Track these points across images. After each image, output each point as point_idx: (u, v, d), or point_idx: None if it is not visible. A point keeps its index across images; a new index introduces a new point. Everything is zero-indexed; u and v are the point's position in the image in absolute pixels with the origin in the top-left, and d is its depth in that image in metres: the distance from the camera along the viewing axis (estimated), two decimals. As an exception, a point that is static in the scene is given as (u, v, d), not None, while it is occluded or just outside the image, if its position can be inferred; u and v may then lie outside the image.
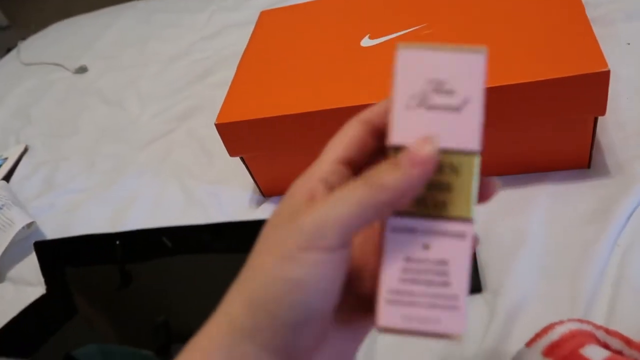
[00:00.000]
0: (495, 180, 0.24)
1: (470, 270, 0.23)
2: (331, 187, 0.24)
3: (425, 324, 0.23)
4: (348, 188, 0.23)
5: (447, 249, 0.23)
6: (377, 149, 0.26)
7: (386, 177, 0.22)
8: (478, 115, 0.23)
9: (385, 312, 0.23)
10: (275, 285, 0.22)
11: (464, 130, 0.23)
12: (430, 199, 0.23)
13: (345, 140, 0.25)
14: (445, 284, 0.23)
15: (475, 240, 0.25)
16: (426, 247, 0.23)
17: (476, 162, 0.23)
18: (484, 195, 0.24)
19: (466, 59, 0.23)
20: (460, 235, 0.23)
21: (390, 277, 0.23)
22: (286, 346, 0.23)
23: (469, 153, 0.23)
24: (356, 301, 0.26)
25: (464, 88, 0.23)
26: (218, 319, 0.24)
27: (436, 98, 0.23)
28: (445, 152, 0.23)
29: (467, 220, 0.23)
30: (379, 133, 0.25)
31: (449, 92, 0.23)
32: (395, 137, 0.23)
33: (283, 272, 0.22)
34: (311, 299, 0.22)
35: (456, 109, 0.23)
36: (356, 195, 0.22)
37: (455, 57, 0.23)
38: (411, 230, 0.23)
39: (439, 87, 0.23)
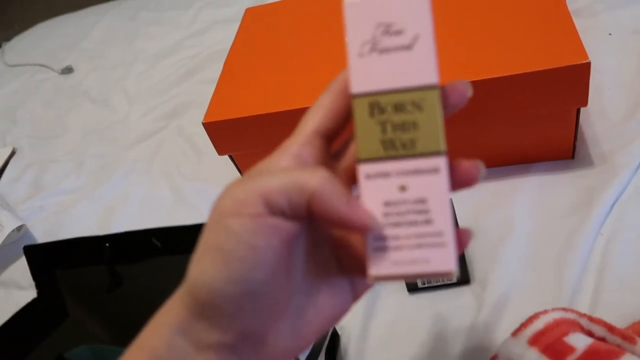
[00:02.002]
0: (478, 163, 0.24)
1: (451, 204, 0.23)
2: (305, 160, 0.24)
3: (415, 266, 0.23)
4: (290, 168, 0.24)
5: (423, 186, 0.23)
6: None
7: (312, 181, 0.22)
8: (431, 49, 0.23)
9: (375, 261, 0.23)
10: (208, 257, 0.22)
11: (419, 66, 0.23)
12: (398, 140, 0.23)
13: (320, 112, 0.25)
14: (428, 222, 0.23)
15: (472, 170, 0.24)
16: (402, 188, 0.23)
17: (437, 94, 0.23)
18: (469, 178, 0.24)
19: None
20: (435, 170, 0.23)
21: None
22: (235, 321, 0.22)
23: (428, 87, 0.23)
24: (339, 265, 0.26)
25: (413, 25, 0.23)
26: (172, 300, 0.24)
27: (387, 40, 0.23)
28: (404, 90, 0.23)
29: (438, 153, 0.23)
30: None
31: (398, 32, 0.23)
32: (355, 86, 0.24)
33: (214, 242, 0.22)
34: (247, 270, 0.22)
35: (408, 47, 0.23)
36: (287, 177, 0.22)
37: None
38: (384, 175, 0.23)
39: (388, 29, 0.23)
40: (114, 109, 0.89)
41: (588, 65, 0.46)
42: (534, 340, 0.35)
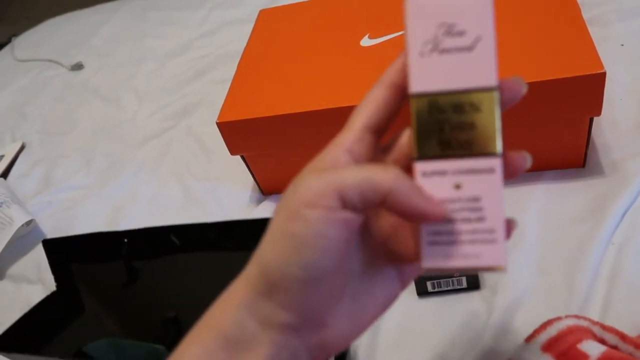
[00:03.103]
0: (525, 154, 0.25)
1: (504, 203, 0.24)
2: (356, 156, 0.25)
3: (467, 260, 0.24)
4: (362, 165, 0.25)
5: (478, 185, 0.24)
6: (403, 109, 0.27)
7: (386, 180, 0.23)
8: (491, 52, 0.24)
9: (429, 254, 0.24)
10: (282, 242, 0.23)
11: (480, 68, 0.24)
12: (455, 139, 0.24)
13: (370, 107, 0.26)
14: (481, 219, 0.24)
15: (519, 168, 0.25)
16: (457, 186, 0.24)
17: (495, 96, 0.24)
18: (514, 169, 0.25)
19: None
20: (490, 170, 0.24)
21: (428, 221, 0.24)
22: (301, 303, 0.24)
23: (487, 89, 0.24)
24: (390, 256, 0.27)
25: (474, 27, 0.24)
26: (238, 281, 0.26)
27: (448, 41, 0.24)
28: (463, 92, 0.24)
29: (494, 154, 0.24)
30: (404, 92, 0.26)
31: (460, 34, 0.24)
32: (414, 85, 0.24)
33: (288, 229, 0.23)
34: (318, 257, 0.23)
35: (469, 48, 0.24)
36: (361, 173, 0.23)
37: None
38: (441, 173, 0.24)
39: (450, 30, 0.24)
40: (123, 107, 0.89)
41: (603, 75, 0.46)
42: (547, 347, 0.35)
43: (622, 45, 0.65)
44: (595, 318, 0.43)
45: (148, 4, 1.16)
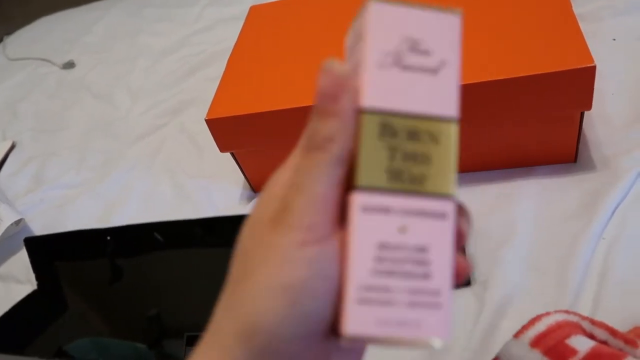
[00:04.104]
0: (469, 261, 0.22)
1: (453, 259, 0.20)
2: None
3: (403, 329, 0.19)
4: (302, 161, 0.20)
5: (426, 231, 0.20)
6: None
7: (325, 128, 0.20)
8: (455, 80, 0.21)
9: (355, 315, 0.19)
10: (272, 296, 0.19)
11: (442, 95, 0.21)
12: (407, 171, 0.20)
13: None
14: (426, 276, 0.20)
15: (465, 220, 0.22)
16: (402, 229, 0.20)
17: (454, 130, 0.21)
18: (459, 272, 0.21)
19: (442, 18, 0.21)
20: (441, 215, 0.20)
21: (360, 270, 0.19)
22: None
23: (447, 120, 0.21)
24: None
25: (441, 49, 0.21)
26: (208, 352, 0.20)
27: (412, 58, 0.21)
28: (422, 117, 0.21)
29: (447, 196, 0.20)
30: None
31: (425, 53, 0.21)
32: (368, 99, 0.20)
33: (279, 278, 0.19)
34: (318, 305, 0.19)
35: (433, 71, 0.21)
36: (312, 165, 0.20)
37: (431, 16, 0.21)
38: (385, 210, 0.20)
39: (415, 46, 0.21)
40: (116, 104, 0.89)
41: (593, 68, 0.46)
42: (535, 342, 0.35)
43: (614, 40, 0.65)
44: (586, 313, 0.43)
45: (142, 1, 1.16)
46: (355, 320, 0.19)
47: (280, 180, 0.21)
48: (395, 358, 0.45)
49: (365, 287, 0.19)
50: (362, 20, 0.21)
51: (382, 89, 0.21)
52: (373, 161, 0.20)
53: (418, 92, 0.21)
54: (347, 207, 0.20)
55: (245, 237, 0.21)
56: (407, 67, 0.21)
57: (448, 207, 0.20)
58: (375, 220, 0.20)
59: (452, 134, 0.21)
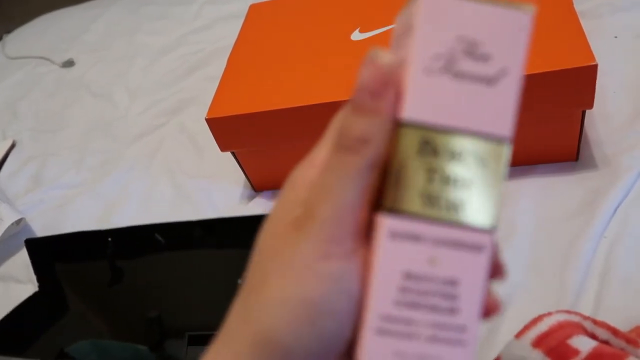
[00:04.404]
0: (499, 299, 0.20)
1: (484, 295, 0.18)
2: None
3: None
4: (333, 162, 0.18)
5: (459, 265, 0.18)
6: None
7: (362, 127, 0.18)
8: (515, 93, 0.18)
9: (372, 346, 0.18)
10: (290, 310, 0.18)
11: (497, 110, 0.18)
12: (444, 197, 0.18)
13: None
14: (453, 312, 0.18)
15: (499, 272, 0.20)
16: (432, 260, 0.18)
17: (506, 152, 0.18)
18: (488, 309, 0.19)
19: (510, 16, 0.18)
20: (477, 248, 0.18)
21: (382, 299, 0.18)
22: None
23: (499, 140, 0.18)
24: None
25: (503, 55, 0.18)
26: (222, 354, 0.19)
27: (467, 63, 0.18)
28: (470, 136, 0.18)
29: (487, 229, 0.18)
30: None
31: (484, 57, 0.18)
32: (409, 110, 0.18)
33: (299, 291, 0.18)
34: (337, 325, 0.18)
35: (491, 80, 0.18)
36: (342, 168, 0.18)
37: (496, 13, 0.18)
38: (415, 238, 0.18)
39: (472, 49, 0.18)
40: (115, 103, 0.89)
41: (595, 67, 0.46)
42: (537, 343, 0.35)
43: (616, 37, 0.65)
44: (588, 313, 0.42)
45: (141, -1, 1.15)
46: (372, 351, 0.18)
47: (304, 177, 0.19)
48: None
49: (386, 318, 0.18)
50: (414, 10, 0.18)
51: (427, 99, 0.18)
52: (408, 182, 0.18)
53: (470, 105, 0.18)
54: (375, 227, 0.18)
55: (265, 239, 0.20)
56: (459, 75, 0.18)
57: (486, 240, 0.18)
58: (403, 249, 0.18)
59: (502, 157, 0.18)
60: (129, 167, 0.75)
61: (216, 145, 0.58)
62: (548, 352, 0.34)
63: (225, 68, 0.61)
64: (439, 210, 0.18)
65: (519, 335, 0.36)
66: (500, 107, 0.18)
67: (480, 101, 0.18)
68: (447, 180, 0.18)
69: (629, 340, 0.36)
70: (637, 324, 0.40)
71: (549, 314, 0.37)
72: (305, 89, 0.55)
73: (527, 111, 0.50)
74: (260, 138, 0.57)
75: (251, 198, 0.64)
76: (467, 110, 0.18)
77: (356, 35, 0.59)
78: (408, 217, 0.18)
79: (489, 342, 0.43)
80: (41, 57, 1.08)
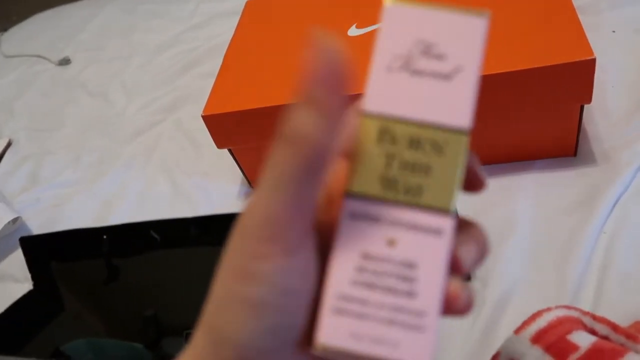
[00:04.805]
0: (467, 291, 0.19)
1: (445, 280, 0.18)
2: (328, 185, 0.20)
3: (378, 347, 0.18)
4: (272, 161, 0.17)
5: (417, 247, 0.18)
6: None
7: (301, 120, 0.17)
8: (471, 88, 0.19)
9: (329, 325, 0.18)
10: (236, 309, 0.18)
11: (453, 103, 0.19)
12: (403, 181, 0.19)
13: (344, 132, 0.21)
14: (411, 295, 0.18)
15: (473, 245, 0.20)
16: (391, 242, 0.19)
17: (464, 142, 0.19)
18: (474, 184, 0.20)
19: (464, 21, 0.20)
20: (436, 231, 0.19)
21: (339, 278, 0.18)
22: None
23: (457, 130, 0.19)
24: None
25: (458, 54, 0.20)
26: (187, 353, 0.20)
27: (423, 62, 0.19)
28: (426, 125, 0.19)
29: (446, 212, 0.19)
30: None
31: (439, 57, 0.19)
32: (369, 102, 0.19)
33: (239, 292, 0.18)
34: (283, 320, 0.18)
35: (446, 76, 0.19)
36: (283, 163, 0.17)
37: (452, 19, 0.20)
38: (374, 218, 0.19)
39: (428, 50, 0.20)
40: (111, 102, 0.88)
41: (593, 61, 0.45)
42: (537, 338, 0.35)
43: (614, 32, 0.65)
44: (587, 308, 0.42)
45: (137, -3, 1.15)
46: (329, 330, 0.18)
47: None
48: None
49: (343, 297, 0.18)
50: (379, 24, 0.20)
51: (385, 93, 0.19)
52: (367, 167, 0.19)
53: (425, 98, 0.19)
54: (339, 213, 0.19)
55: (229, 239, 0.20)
56: (416, 72, 0.20)
57: (445, 224, 0.19)
58: (362, 229, 0.19)
59: (459, 146, 0.19)
60: (125, 165, 0.75)
61: (213, 142, 0.58)
62: (547, 348, 0.34)
63: (222, 65, 0.61)
64: (397, 193, 0.19)
65: (518, 330, 0.36)
66: (457, 100, 0.19)
67: (436, 95, 0.19)
68: (405, 166, 0.19)
69: (628, 336, 0.36)
70: (637, 319, 0.40)
71: (549, 309, 0.37)
72: (302, 85, 0.54)
73: (525, 106, 0.50)
74: (256, 135, 0.57)
75: (248, 195, 0.64)
76: (424, 103, 0.19)
77: (353, 31, 0.59)
78: (367, 199, 0.19)
79: (488, 338, 0.43)
80: (37, 56, 1.07)
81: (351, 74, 0.17)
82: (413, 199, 0.19)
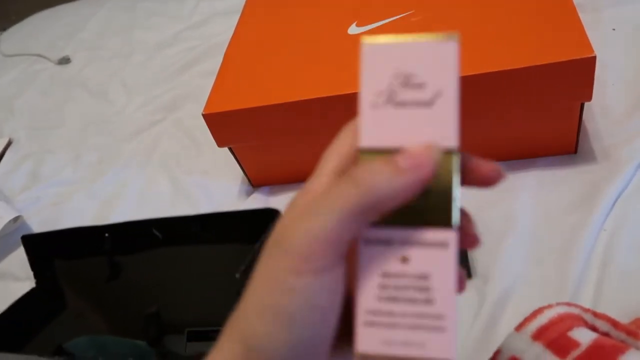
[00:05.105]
0: (498, 167, 0.22)
1: (456, 284, 0.21)
2: None
3: (408, 349, 0.21)
4: (333, 191, 0.20)
5: (428, 261, 0.21)
6: None
7: (379, 177, 0.20)
8: (453, 109, 0.21)
9: (364, 336, 0.21)
10: (269, 319, 0.20)
11: (439, 127, 0.21)
12: (405, 206, 0.21)
13: (341, 150, 0.23)
14: (429, 302, 0.21)
15: (475, 242, 0.23)
16: (404, 260, 0.21)
17: (455, 160, 0.21)
18: (487, 180, 0.22)
19: (435, 47, 0.21)
20: (442, 245, 0.21)
21: (366, 296, 0.21)
22: None
23: (445, 151, 0.21)
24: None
25: (435, 80, 0.21)
26: (219, 354, 0.22)
27: (405, 93, 0.21)
28: None
29: (448, 227, 0.21)
30: None
31: (419, 86, 0.21)
32: (363, 139, 0.21)
33: (274, 303, 0.20)
34: (310, 334, 0.20)
35: (427, 103, 0.21)
36: (343, 199, 0.20)
37: (424, 47, 0.21)
38: (386, 242, 0.21)
39: (407, 81, 0.21)
40: (111, 100, 0.88)
41: (593, 59, 0.45)
42: (537, 335, 0.35)
43: (614, 30, 0.65)
44: (588, 305, 0.42)
45: (136, -4, 1.15)
46: (364, 341, 0.21)
47: (312, 192, 0.22)
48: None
49: (372, 312, 0.21)
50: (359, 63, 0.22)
51: (376, 128, 0.21)
52: None
53: (412, 127, 0.21)
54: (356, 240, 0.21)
55: (264, 248, 0.22)
56: (400, 104, 0.21)
57: (449, 236, 0.21)
58: (377, 252, 0.21)
59: (450, 165, 0.21)
60: (126, 164, 0.75)
61: (213, 140, 0.58)
62: (548, 345, 0.34)
63: (222, 63, 0.61)
64: (402, 216, 0.21)
65: (519, 327, 0.36)
66: (442, 123, 0.21)
67: (422, 122, 0.21)
68: None
69: (629, 332, 0.36)
70: (637, 315, 0.40)
71: (549, 306, 0.37)
72: (302, 83, 0.54)
73: (525, 104, 0.50)
74: (257, 133, 0.57)
75: (249, 194, 0.64)
76: (412, 131, 0.21)
77: (353, 29, 0.59)
78: (378, 226, 0.21)
79: (489, 335, 0.43)
80: (37, 55, 1.07)
81: (428, 175, 0.21)
82: (418, 220, 0.21)
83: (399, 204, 0.21)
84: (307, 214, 0.20)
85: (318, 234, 0.20)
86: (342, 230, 0.20)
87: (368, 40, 0.22)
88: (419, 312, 0.21)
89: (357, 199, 0.20)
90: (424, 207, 0.21)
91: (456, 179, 0.21)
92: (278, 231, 0.21)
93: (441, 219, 0.21)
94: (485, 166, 0.22)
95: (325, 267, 0.20)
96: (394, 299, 0.21)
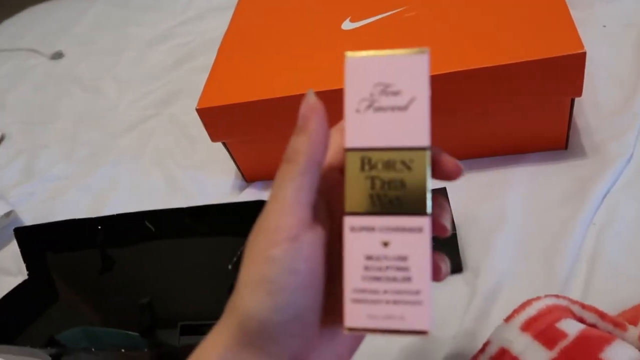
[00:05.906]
0: (457, 162, 0.26)
1: (431, 264, 0.24)
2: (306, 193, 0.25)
3: (390, 322, 0.24)
4: (279, 175, 0.24)
5: (406, 244, 0.24)
6: None
7: (297, 144, 0.24)
8: (425, 113, 0.24)
9: (351, 312, 0.24)
10: (255, 289, 0.23)
11: (412, 128, 0.24)
12: (385, 196, 0.24)
13: (327, 150, 0.26)
14: (407, 280, 0.24)
15: (444, 231, 0.26)
16: (385, 244, 0.24)
17: (427, 156, 0.24)
18: (450, 174, 0.26)
19: (409, 60, 0.24)
20: (418, 229, 0.24)
21: (353, 277, 0.24)
22: (284, 348, 0.24)
23: (419, 149, 0.24)
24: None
25: (410, 88, 0.24)
26: (217, 333, 0.25)
27: (384, 100, 0.24)
28: (395, 149, 0.24)
29: (423, 213, 0.24)
30: None
31: (396, 93, 0.24)
32: (349, 140, 0.25)
33: (257, 273, 0.23)
34: (292, 297, 0.23)
35: (403, 108, 0.24)
36: (287, 174, 0.24)
37: (399, 60, 0.24)
38: (369, 229, 0.24)
39: (386, 89, 0.24)
40: (105, 96, 0.88)
41: (583, 55, 0.46)
42: (526, 326, 0.35)
43: (605, 26, 0.65)
44: (576, 298, 0.43)
45: (130, -9, 1.14)
46: (352, 316, 0.24)
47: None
48: (390, 341, 0.45)
49: (358, 290, 0.24)
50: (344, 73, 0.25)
51: (360, 130, 0.25)
52: (357, 190, 0.24)
53: (391, 128, 0.24)
54: (342, 226, 0.25)
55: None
56: (379, 109, 0.24)
57: (423, 222, 0.24)
58: (361, 238, 0.24)
59: (422, 161, 0.24)
60: (119, 159, 0.75)
61: (207, 135, 0.58)
62: (536, 336, 0.35)
63: (216, 58, 0.61)
64: (382, 206, 0.24)
65: (508, 319, 0.37)
66: (415, 125, 0.24)
67: (398, 124, 0.24)
68: (384, 184, 0.24)
69: (616, 324, 0.36)
70: (624, 308, 0.40)
71: (538, 298, 0.37)
72: (295, 78, 0.55)
73: (516, 99, 0.51)
74: (251, 128, 0.57)
75: (242, 189, 0.64)
76: (390, 133, 0.24)
77: (347, 25, 0.59)
78: (361, 214, 0.24)
79: (480, 327, 0.43)
80: (30, 49, 1.07)
81: (323, 113, 0.25)
82: (396, 209, 0.24)
83: (325, 150, 0.25)
84: (273, 197, 0.24)
85: (282, 207, 0.23)
86: (297, 196, 0.24)
87: (351, 54, 0.25)
88: (399, 289, 0.24)
89: (295, 166, 0.24)
90: (402, 198, 0.24)
91: (428, 172, 0.24)
92: (260, 217, 0.24)
93: (417, 207, 0.24)
94: (450, 162, 0.26)
95: (297, 235, 0.23)
96: (377, 279, 0.24)
